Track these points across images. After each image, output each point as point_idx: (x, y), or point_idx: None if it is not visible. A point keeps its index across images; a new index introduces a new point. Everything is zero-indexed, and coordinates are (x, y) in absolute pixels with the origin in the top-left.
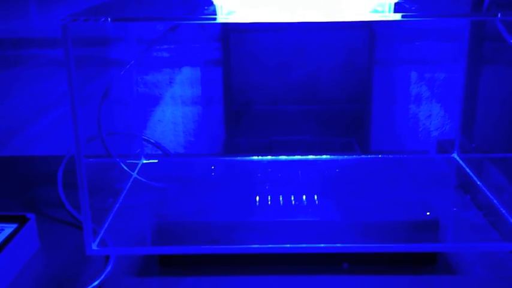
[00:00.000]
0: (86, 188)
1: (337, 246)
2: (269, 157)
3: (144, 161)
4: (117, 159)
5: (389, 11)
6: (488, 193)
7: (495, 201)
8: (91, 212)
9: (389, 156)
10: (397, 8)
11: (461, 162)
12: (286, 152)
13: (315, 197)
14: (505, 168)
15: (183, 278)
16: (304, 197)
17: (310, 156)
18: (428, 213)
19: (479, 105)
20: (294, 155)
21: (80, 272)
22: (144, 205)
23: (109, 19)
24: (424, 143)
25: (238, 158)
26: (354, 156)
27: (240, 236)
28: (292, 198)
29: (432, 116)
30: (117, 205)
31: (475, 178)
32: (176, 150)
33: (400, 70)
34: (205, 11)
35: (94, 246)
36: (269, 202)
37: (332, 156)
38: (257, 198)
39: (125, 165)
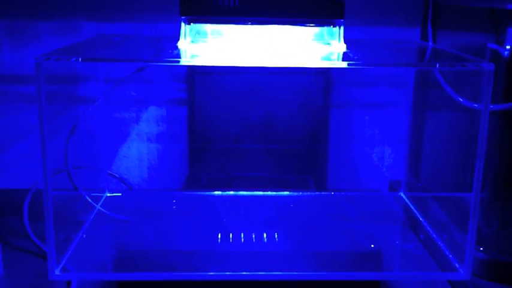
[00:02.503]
0: (51, 214)
1: (289, 274)
2: (230, 192)
3: (108, 194)
4: (82, 192)
5: (338, 58)
6: (429, 228)
7: (434, 235)
8: (55, 242)
9: (341, 193)
10: (344, 57)
11: (406, 200)
12: (245, 188)
13: (265, 229)
14: (446, 206)
15: None
16: (258, 229)
17: (268, 192)
18: (372, 246)
19: (425, 147)
20: (253, 191)
21: None
22: (106, 236)
23: (80, 59)
24: (377, 182)
25: (200, 192)
26: (309, 193)
27: (196, 264)
28: (247, 230)
29: (385, 158)
30: (80, 236)
31: (418, 214)
32: (141, 185)
33: (355, 113)
34: (170, 54)
35: (57, 272)
36: (225, 234)
37: (288, 193)
38: (215, 230)
39: (90, 198)
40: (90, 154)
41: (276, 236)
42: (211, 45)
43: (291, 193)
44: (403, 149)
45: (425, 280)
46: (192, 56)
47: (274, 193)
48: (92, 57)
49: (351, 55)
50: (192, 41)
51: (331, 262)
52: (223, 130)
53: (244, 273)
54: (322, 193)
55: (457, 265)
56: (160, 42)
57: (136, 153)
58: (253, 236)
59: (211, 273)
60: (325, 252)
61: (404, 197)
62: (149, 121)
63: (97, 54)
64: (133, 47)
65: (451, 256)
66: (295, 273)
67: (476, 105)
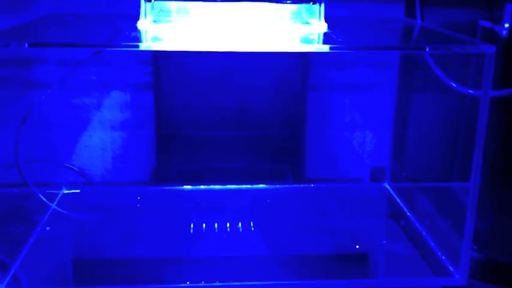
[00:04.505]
0: None
1: (265, 284)
2: (201, 187)
3: (65, 191)
4: (34, 189)
5: (318, 41)
6: (417, 224)
7: (424, 233)
8: (3, 245)
9: (322, 185)
10: (326, 39)
11: (392, 191)
12: (218, 179)
13: (240, 229)
14: (434, 198)
15: None
16: (232, 229)
17: (243, 186)
18: (357, 247)
19: (409, 133)
20: (226, 185)
21: None
22: (62, 240)
23: (26, 44)
24: (358, 170)
25: (168, 187)
26: (286, 185)
27: (162, 274)
28: (221, 231)
29: (366, 143)
30: (33, 238)
31: (404, 208)
32: (104, 177)
33: (334, 96)
34: (128, 37)
35: (2, 287)
36: (196, 235)
37: (264, 186)
38: (184, 232)
39: (44, 196)
40: (47, 145)
41: (251, 237)
42: (176, 26)
43: (267, 186)
44: (387, 136)
45: (417, 286)
46: (154, 39)
47: (249, 186)
48: (40, 41)
49: (333, 37)
50: (155, 21)
51: (312, 267)
52: (193, 117)
53: (218, 283)
54: (301, 185)
55: (451, 268)
56: (118, 22)
57: (99, 142)
58: (227, 238)
59: (181, 285)
60: (306, 256)
61: (389, 188)
62: (112, 107)
63: (47, 36)
64: (88, 28)
65: (443, 258)
66: (273, 282)
67: (471, 91)
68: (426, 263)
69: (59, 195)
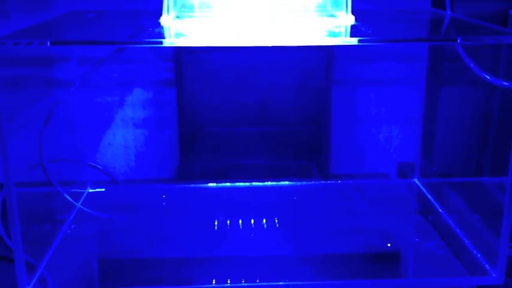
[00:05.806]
0: (17, 219)
1: (293, 285)
2: (226, 184)
3: (90, 190)
4: (59, 189)
5: (345, 34)
6: (450, 221)
7: (457, 230)
8: (29, 245)
9: (349, 181)
10: (354, 31)
11: (422, 187)
12: (242, 176)
13: (266, 227)
14: (466, 193)
15: None
16: (257, 227)
17: (268, 183)
18: (389, 245)
19: (438, 127)
20: (251, 181)
21: None
22: (89, 238)
23: (48, 42)
24: (384, 165)
25: (192, 185)
26: (313, 182)
27: (190, 274)
28: (246, 229)
29: (392, 138)
30: (59, 238)
31: (436, 205)
32: (127, 175)
33: (360, 91)
34: (152, 33)
35: None
36: (221, 234)
37: (290, 182)
38: (209, 231)
39: (69, 195)
40: (71, 144)
41: (279, 236)
42: (198, 21)
43: (293, 183)
44: (414, 130)
45: (452, 286)
46: (177, 35)
47: (274, 183)
48: (62, 39)
49: (363, 29)
50: (177, 17)
51: (341, 267)
52: (216, 113)
53: (244, 283)
54: (328, 182)
55: (487, 267)
56: (141, 18)
57: (122, 140)
58: (253, 237)
59: (206, 286)
60: (334, 255)
61: (419, 183)
62: (134, 105)
63: (68, 34)
64: (110, 25)
65: (479, 256)
66: (300, 283)
67: (506, 83)
68: (460, 262)
69: (84, 194)
